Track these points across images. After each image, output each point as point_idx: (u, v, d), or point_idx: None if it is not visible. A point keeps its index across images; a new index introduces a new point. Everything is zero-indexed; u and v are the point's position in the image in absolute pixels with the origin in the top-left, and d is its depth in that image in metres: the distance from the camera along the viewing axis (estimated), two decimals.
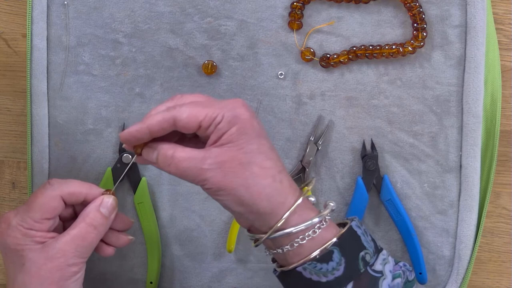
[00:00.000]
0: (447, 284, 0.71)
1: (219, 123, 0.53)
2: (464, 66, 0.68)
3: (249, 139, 0.53)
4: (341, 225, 0.58)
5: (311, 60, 0.69)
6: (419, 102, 0.69)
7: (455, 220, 0.70)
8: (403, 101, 0.69)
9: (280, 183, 0.54)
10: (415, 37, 0.68)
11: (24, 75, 0.72)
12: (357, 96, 0.70)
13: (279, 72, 0.70)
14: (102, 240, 0.61)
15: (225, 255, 0.72)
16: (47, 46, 0.69)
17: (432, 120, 0.69)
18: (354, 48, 0.68)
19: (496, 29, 0.69)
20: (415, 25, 0.67)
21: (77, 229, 0.57)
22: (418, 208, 0.70)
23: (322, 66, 0.69)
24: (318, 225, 0.54)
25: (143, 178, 0.71)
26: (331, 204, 0.56)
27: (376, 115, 0.70)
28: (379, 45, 0.68)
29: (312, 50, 0.69)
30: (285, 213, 0.54)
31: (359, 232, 0.56)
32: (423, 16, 0.67)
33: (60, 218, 0.61)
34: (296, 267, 0.55)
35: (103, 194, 0.59)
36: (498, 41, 0.69)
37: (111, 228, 0.60)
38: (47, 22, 0.69)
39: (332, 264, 0.54)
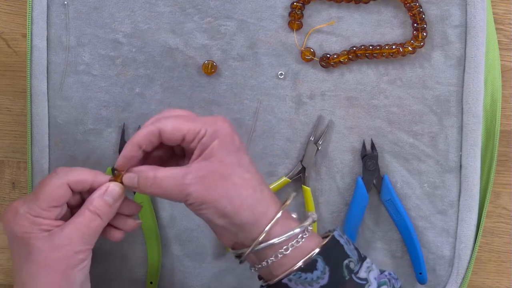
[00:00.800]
0: (447, 284, 0.71)
1: (202, 137, 0.54)
2: (464, 66, 0.68)
3: (229, 152, 0.55)
4: (323, 237, 0.58)
5: (311, 60, 0.69)
6: (419, 102, 0.69)
7: (455, 220, 0.70)
8: (403, 101, 0.69)
9: (261, 193, 0.55)
10: (415, 37, 0.68)
11: (24, 75, 0.72)
12: (357, 96, 0.70)
13: (279, 72, 0.70)
14: (110, 224, 0.61)
15: (225, 255, 0.72)
16: (47, 46, 0.69)
17: (432, 120, 0.69)
18: (354, 48, 0.68)
19: (496, 29, 0.69)
20: (415, 25, 0.67)
21: (81, 217, 0.58)
22: (418, 208, 0.70)
23: (322, 66, 0.69)
24: (300, 235, 0.55)
25: None
26: (313, 215, 0.57)
27: (376, 115, 0.70)
28: (379, 45, 0.68)
29: (312, 50, 0.69)
30: (267, 224, 0.54)
31: (341, 241, 0.56)
32: (423, 16, 0.67)
33: (68, 205, 0.61)
34: (281, 279, 0.55)
35: (110, 181, 0.59)
36: (498, 41, 0.69)
37: (118, 213, 0.60)
38: (47, 22, 0.69)
39: (316, 273, 0.54)
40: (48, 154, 0.71)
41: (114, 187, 0.59)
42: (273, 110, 0.70)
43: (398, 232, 0.71)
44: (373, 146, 0.70)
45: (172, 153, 0.59)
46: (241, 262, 0.57)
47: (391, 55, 0.68)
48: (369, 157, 0.70)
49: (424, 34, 0.67)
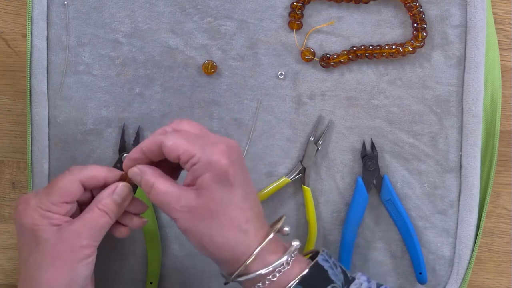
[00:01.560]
0: (447, 284, 0.71)
1: (194, 164, 0.54)
2: (464, 66, 0.68)
3: (220, 188, 0.55)
4: (313, 254, 0.59)
5: (311, 60, 0.69)
6: (419, 102, 0.69)
7: (455, 220, 0.70)
8: (403, 101, 0.69)
9: (244, 234, 0.55)
10: (415, 37, 0.68)
11: (24, 75, 0.72)
12: (357, 96, 0.70)
13: (279, 72, 0.70)
14: (117, 221, 0.62)
15: None
16: (47, 46, 0.69)
17: (432, 120, 0.69)
18: (354, 48, 0.68)
19: (496, 29, 0.69)
20: (415, 25, 0.67)
21: (90, 213, 0.59)
22: (418, 208, 0.70)
23: (322, 66, 0.69)
24: (279, 268, 0.56)
25: None
26: (295, 243, 0.57)
27: (376, 115, 0.70)
28: (379, 45, 0.68)
29: (312, 50, 0.69)
30: (246, 261, 0.55)
31: (326, 266, 0.57)
32: (423, 16, 0.67)
33: (78, 203, 0.61)
34: None
35: (121, 177, 0.60)
36: (498, 41, 0.69)
37: (126, 211, 0.62)
38: (47, 22, 0.69)
39: None
40: (48, 154, 0.71)
41: (123, 187, 0.60)
42: (273, 110, 0.70)
43: (398, 232, 0.71)
44: (373, 146, 0.70)
45: None
46: (225, 283, 0.59)
47: (391, 55, 0.68)
48: (369, 157, 0.70)
49: (424, 34, 0.67)
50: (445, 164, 0.70)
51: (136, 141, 0.70)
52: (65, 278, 0.57)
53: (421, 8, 0.67)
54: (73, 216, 0.60)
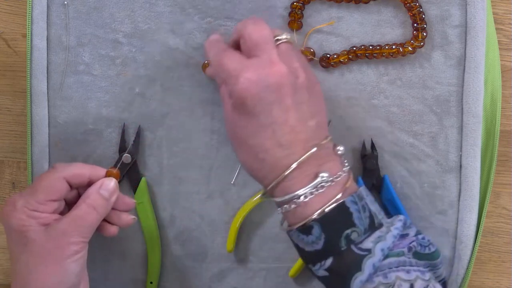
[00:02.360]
0: (447, 284, 0.71)
1: (231, 85, 0.57)
2: (464, 66, 0.68)
3: (239, 114, 0.56)
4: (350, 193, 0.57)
5: (311, 60, 0.69)
6: (419, 102, 0.69)
7: (455, 220, 0.70)
8: (403, 101, 0.69)
9: (262, 161, 0.56)
10: (415, 37, 0.68)
11: (24, 75, 0.72)
12: (357, 96, 0.70)
13: None
14: (105, 220, 0.62)
15: (225, 255, 0.72)
16: (47, 46, 0.69)
17: (432, 120, 0.69)
18: (354, 48, 0.68)
19: (496, 29, 0.69)
20: (415, 25, 0.67)
21: (78, 210, 0.59)
22: (418, 208, 0.70)
23: (322, 66, 0.69)
24: (303, 195, 0.55)
25: (143, 178, 0.71)
26: (325, 174, 0.56)
27: (376, 115, 0.70)
28: (379, 45, 0.68)
29: (312, 50, 0.69)
30: (271, 183, 0.56)
31: (352, 208, 0.56)
32: (423, 16, 0.67)
33: (66, 202, 0.62)
34: (287, 231, 0.57)
35: (106, 173, 0.61)
36: (498, 41, 0.69)
37: (114, 209, 0.62)
38: (47, 22, 0.69)
39: (311, 237, 0.55)
40: (48, 154, 0.71)
41: (109, 182, 0.61)
42: None
43: None
44: (373, 146, 0.70)
45: None
46: (263, 196, 0.60)
47: (391, 55, 0.68)
48: (369, 157, 0.70)
49: (424, 34, 0.67)
50: (445, 164, 0.70)
51: (136, 141, 0.70)
52: (56, 276, 0.57)
53: (421, 8, 0.67)
54: (62, 213, 0.61)
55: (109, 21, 0.69)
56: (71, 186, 0.61)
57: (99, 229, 0.62)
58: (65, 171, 0.60)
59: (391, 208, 0.70)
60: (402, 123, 0.70)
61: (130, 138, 0.70)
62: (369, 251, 0.55)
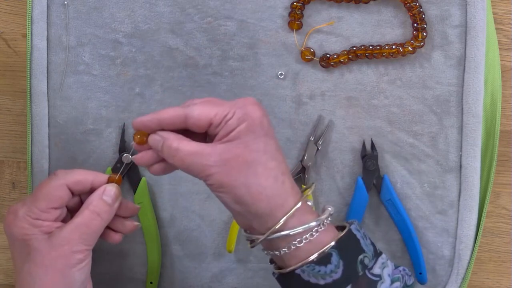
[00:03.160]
0: (447, 284, 0.71)
1: (229, 119, 0.53)
2: (464, 66, 0.68)
3: (256, 137, 0.53)
4: (340, 228, 0.58)
5: (311, 60, 0.69)
6: (419, 102, 0.69)
7: (455, 220, 0.70)
8: (403, 101, 0.69)
9: (282, 184, 0.54)
10: (415, 37, 0.68)
11: (24, 75, 0.72)
12: (357, 96, 0.70)
13: (279, 72, 0.70)
14: (109, 227, 0.61)
15: (225, 255, 0.72)
16: (47, 46, 0.69)
17: (432, 120, 0.69)
18: (354, 48, 0.68)
19: (496, 29, 0.69)
20: (415, 25, 0.67)
21: (81, 217, 0.58)
22: (418, 208, 0.70)
23: (322, 66, 0.69)
24: (316, 228, 0.54)
25: (143, 178, 0.71)
26: (329, 208, 0.57)
27: (376, 115, 0.70)
28: (379, 45, 0.68)
29: (312, 50, 0.69)
30: (283, 216, 0.54)
31: (358, 235, 0.56)
32: (423, 16, 0.67)
33: (68, 209, 0.61)
34: (294, 269, 0.55)
35: (108, 179, 0.60)
36: (498, 41, 0.69)
37: (117, 215, 0.61)
38: (47, 22, 0.69)
39: (330, 267, 0.54)
40: (48, 154, 0.71)
41: (112, 188, 0.59)
42: (273, 110, 0.70)
43: (398, 232, 0.71)
44: (373, 146, 0.70)
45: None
46: (252, 247, 0.56)
47: (391, 55, 0.68)
48: (369, 157, 0.70)
49: (424, 34, 0.67)
50: (445, 164, 0.70)
51: None
52: (60, 286, 0.56)
53: (421, 8, 0.67)
54: (64, 221, 0.59)
55: (109, 21, 0.69)
56: (72, 193, 0.59)
57: (102, 236, 0.60)
58: (66, 178, 0.58)
59: (391, 208, 0.70)
60: (402, 123, 0.70)
61: (130, 138, 0.70)
62: (379, 276, 0.55)
